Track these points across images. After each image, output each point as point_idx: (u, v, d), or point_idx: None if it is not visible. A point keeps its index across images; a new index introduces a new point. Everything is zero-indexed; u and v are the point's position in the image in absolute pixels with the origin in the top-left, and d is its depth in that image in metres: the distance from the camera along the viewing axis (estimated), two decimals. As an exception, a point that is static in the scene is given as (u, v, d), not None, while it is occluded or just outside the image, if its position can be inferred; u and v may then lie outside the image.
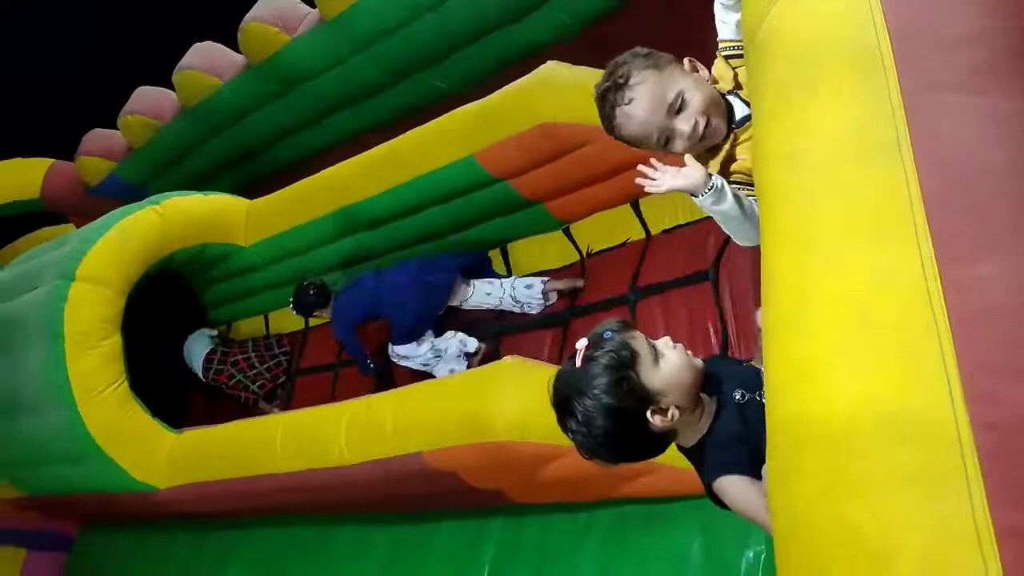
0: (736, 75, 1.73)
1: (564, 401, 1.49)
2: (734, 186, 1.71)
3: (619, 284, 3.63)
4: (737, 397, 1.53)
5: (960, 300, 0.84)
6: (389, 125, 4.46)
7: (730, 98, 1.73)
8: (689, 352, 1.51)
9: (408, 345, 4.11)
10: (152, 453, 4.05)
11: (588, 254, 3.89)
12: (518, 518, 3.16)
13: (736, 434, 1.49)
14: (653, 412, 1.46)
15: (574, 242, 3.94)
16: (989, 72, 0.95)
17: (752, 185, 1.62)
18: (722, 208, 1.68)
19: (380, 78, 5.02)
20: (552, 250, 4.03)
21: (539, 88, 3.39)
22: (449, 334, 4.13)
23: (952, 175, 0.91)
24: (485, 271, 4.20)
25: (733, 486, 1.46)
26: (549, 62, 3.45)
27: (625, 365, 1.43)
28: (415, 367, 4.17)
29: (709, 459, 1.50)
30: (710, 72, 1.76)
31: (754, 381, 1.55)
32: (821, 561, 0.85)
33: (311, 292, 4.42)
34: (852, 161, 0.99)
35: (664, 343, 1.49)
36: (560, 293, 3.92)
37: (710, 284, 3.28)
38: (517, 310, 4.02)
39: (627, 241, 3.74)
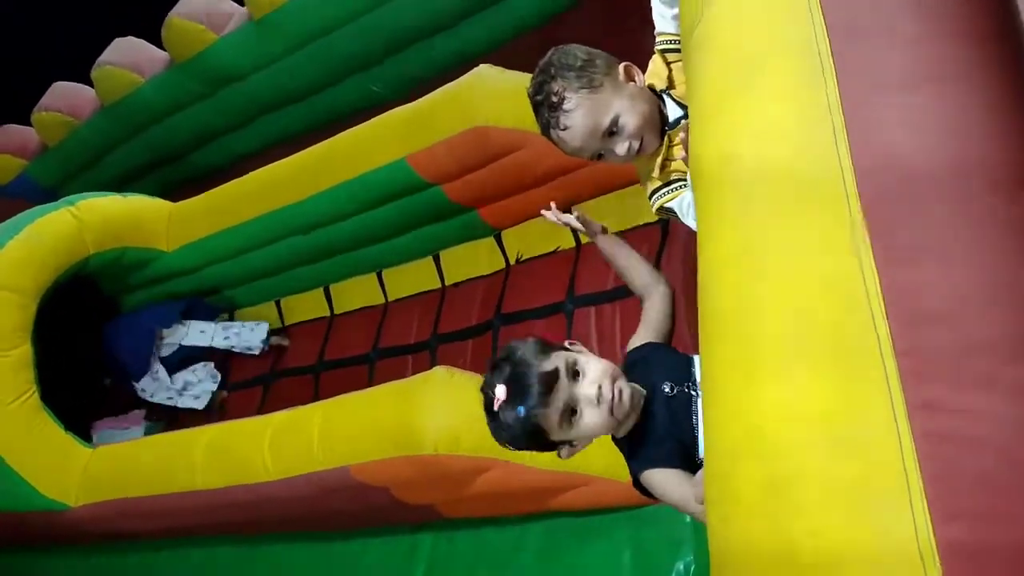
0: (671, 73, 1.71)
1: (486, 408, 1.51)
2: (672, 186, 1.69)
3: (552, 293, 3.59)
4: (666, 390, 1.53)
5: (900, 305, 0.81)
6: (322, 130, 4.35)
7: (664, 97, 1.70)
8: (621, 389, 1.47)
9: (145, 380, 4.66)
10: (64, 469, 3.84)
11: (518, 261, 3.86)
12: (449, 533, 3.09)
13: (666, 429, 1.50)
14: (561, 447, 1.53)
15: (503, 249, 3.90)
16: (928, 72, 0.93)
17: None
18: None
19: (312, 81, 4.92)
20: (482, 257, 3.99)
21: (470, 91, 3.34)
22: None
23: (890, 175, 0.88)
24: (205, 314, 4.85)
25: (660, 479, 1.48)
26: (481, 65, 3.41)
27: (535, 434, 1.46)
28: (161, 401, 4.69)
29: (639, 453, 1.52)
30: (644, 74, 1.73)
31: (683, 372, 1.56)
32: (759, 578, 0.82)
33: None
34: (788, 160, 0.96)
35: (587, 397, 1.45)
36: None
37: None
38: (237, 350, 4.70)
39: (557, 249, 3.71)
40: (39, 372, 3.95)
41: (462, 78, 3.42)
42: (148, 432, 4.54)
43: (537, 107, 1.68)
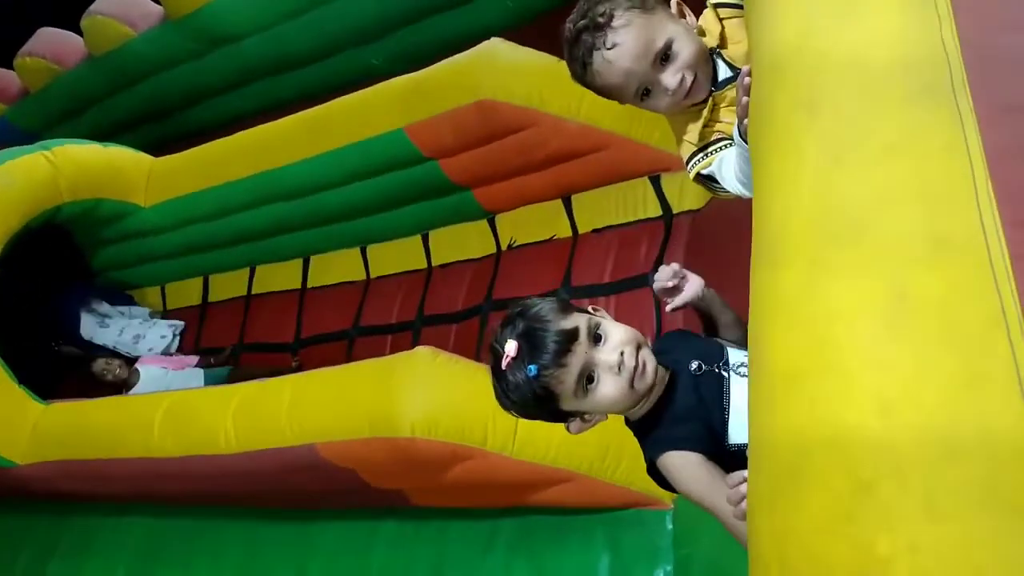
0: (724, 30, 1.56)
1: (493, 368, 1.35)
2: (709, 149, 1.54)
3: (545, 282, 3.44)
4: (693, 368, 1.38)
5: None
6: (317, 99, 4.19)
7: (713, 57, 1.56)
8: (644, 360, 1.31)
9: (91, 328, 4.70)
10: (13, 424, 3.64)
11: (510, 247, 3.71)
12: (414, 522, 2.93)
13: (689, 409, 1.35)
14: (572, 419, 1.37)
15: (496, 234, 3.76)
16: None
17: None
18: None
19: (312, 48, 4.75)
20: (472, 240, 3.84)
21: (480, 64, 3.19)
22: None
23: (1019, 126, 0.74)
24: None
25: (682, 463, 1.31)
26: (493, 39, 3.26)
27: (544, 399, 1.30)
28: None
29: (658, 433, 1.36)
30: (697, 20, 1.59)
31: (715, 355, 1.40)
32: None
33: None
34: (892, 107, 0.81)
35: (607, 363, 1.29)
36: None
37: (651, 290, 3.11)
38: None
39: (553, 238, 3.57)
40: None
41: (472, 50, 3.27)
42: (210, 382, 4.15)
43: (577, 36, 1.49)
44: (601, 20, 1.45)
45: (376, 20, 4.45)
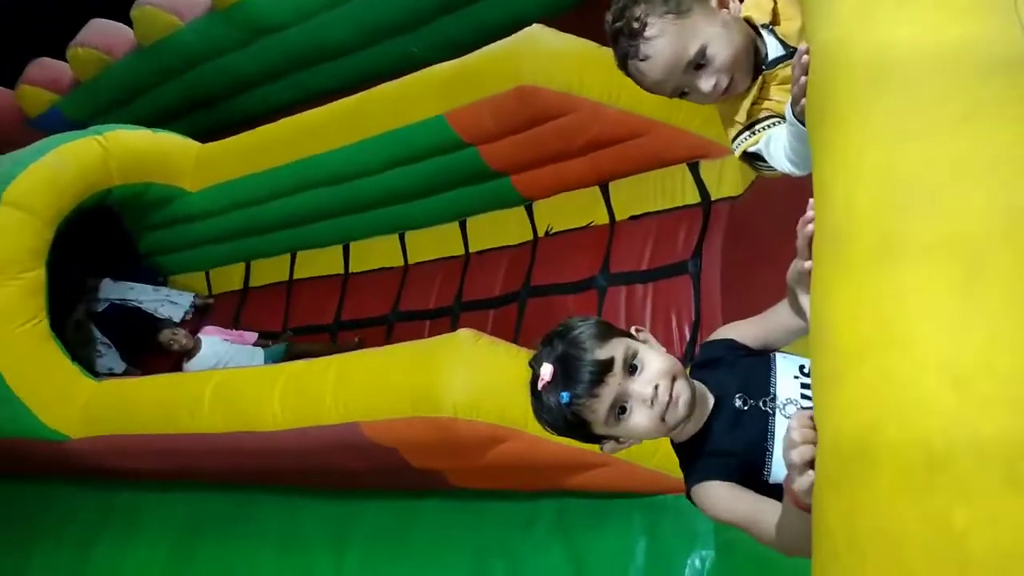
0: (776, 6, 1.56)
1: (531, 385, 1.35)
2: (756, 127, 1.55)
3: (582, 268, 3.47)
4: (738, 404, 1.35)
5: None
6: (358, 88, 4.25)
7: (764, 33, 1.56)
8: (679, 393, 1.29)
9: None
10: (67, 399, 3.76)
11: (547, 234, 3.74)
12: (454, 502, 2.98)
13: (728, 444, 1.33)
14: (606, 441, 1.36)
15: (533, 221, 3.79)
16: None
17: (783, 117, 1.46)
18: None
19: (353, 38, 4.82)
20: (510, 227, 3.87)
21: (522, 49, 3.22)
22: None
23: None
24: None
25: (709, 493, 1.31)
26: (535, 25, 3.29)
27: (576, 425, 1.31)
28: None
29: (692, 466, 1.35)
30: (742, 5, 1.58)
31: (762, 383, 1.36)
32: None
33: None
34: (964, 80, 0.80)
35: (640, 395, 1.27)
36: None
37: (690, 277, 3.12)
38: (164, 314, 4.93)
39: (590, 224, 3.59)
40: (52, 300, 3.89)
41: (513, 36, 3.30)
42: (269, 360, 4.17)
43: (615, 36, 1.50)
44: (635, 27, 1.46)
45: (416, 9, 4.50)
